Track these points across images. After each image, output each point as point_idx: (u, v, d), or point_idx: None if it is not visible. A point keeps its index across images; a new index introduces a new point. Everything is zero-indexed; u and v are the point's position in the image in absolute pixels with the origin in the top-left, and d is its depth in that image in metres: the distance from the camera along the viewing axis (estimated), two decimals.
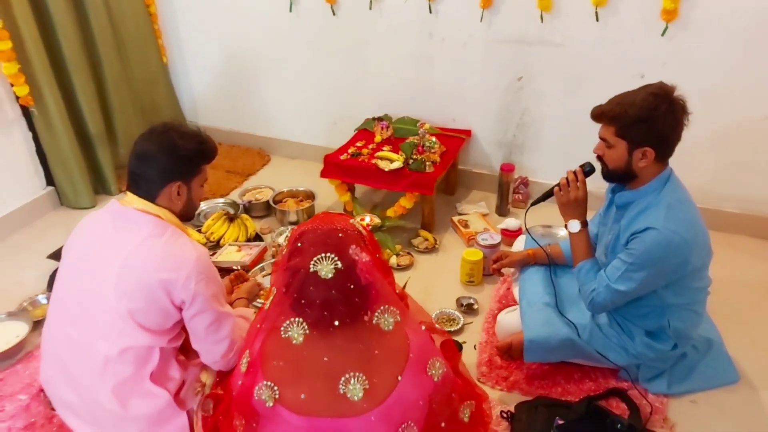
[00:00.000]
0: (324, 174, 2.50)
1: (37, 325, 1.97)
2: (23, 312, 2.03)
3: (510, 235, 2.32)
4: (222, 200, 2.68)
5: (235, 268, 2.12)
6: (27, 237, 2.54)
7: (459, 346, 1.82)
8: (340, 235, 1.12)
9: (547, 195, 1.78)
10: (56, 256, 2.30)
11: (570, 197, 1.67)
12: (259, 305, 1.88)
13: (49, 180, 2.70)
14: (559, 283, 1.85)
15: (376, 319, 1.12)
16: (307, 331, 1.09)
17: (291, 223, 2.54)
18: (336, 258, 1.08)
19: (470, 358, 1.85)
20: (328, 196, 2.66)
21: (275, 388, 1.09)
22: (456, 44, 2.58)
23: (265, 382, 1.10)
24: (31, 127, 2.55)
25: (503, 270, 2.05)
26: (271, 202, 2.64)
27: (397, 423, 1.09)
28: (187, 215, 1.55)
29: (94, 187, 2.79)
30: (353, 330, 1.11)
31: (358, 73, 2.85)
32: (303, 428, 1.07)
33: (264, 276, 2.18)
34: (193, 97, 3.32)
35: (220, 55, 3.13)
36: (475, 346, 1.90)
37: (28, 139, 2.57)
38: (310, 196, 2.71)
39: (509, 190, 2.62)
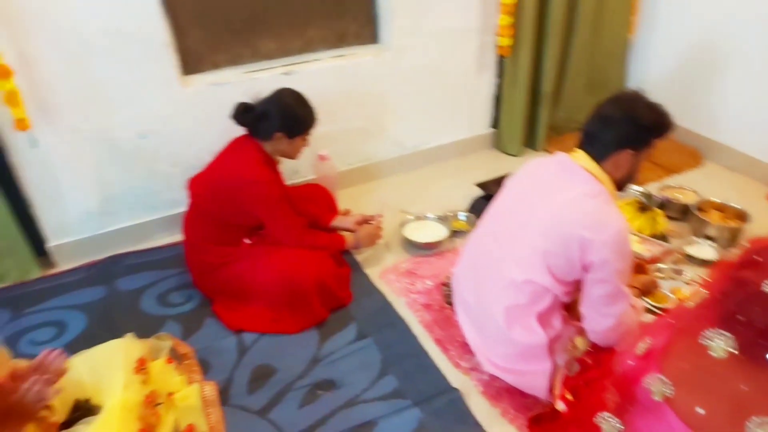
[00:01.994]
0: None
1: (453, 234, 2.42)
2: (446, 220, 2.50)
3: None
4: (638, 188, 2.61)
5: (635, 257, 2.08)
6: (463, 164, 3.04)
7: None
8: None
9: None
10: (482, 186, 2.71)
11: None
12: (649, 304, 1.83)
13: (493, 123, 3.13)
14: None
15: None
16: (734, 351, 1.01)
17: (707, 237, 2.29)
18: None
19: None
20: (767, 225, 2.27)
21: (670, 386, 1.06)
22: None
23: (660, 376, 1.08)
24: (499, 74, 2.96)
25: None
26: (693, 208, 2.42)
27: None
28: (622, 185, 1.59)
29: (525, 140, 3.09)
30: None
31: None
32: None
33: (659, 277, 2.07)
34: (644, 77, 3.21)
35: (691, 40, 2.91)
36: None
37: (491, 84, 3.00)
38: (742, 216, 2.36)
39: None
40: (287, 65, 2.50)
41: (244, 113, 1.93)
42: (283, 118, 1.92)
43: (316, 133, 2.21)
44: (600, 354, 1.51)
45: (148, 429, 1.49)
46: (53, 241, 2.30)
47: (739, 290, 1.02)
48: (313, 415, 1.66)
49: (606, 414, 1.18)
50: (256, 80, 2.38)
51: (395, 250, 2.39)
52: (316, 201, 2.37)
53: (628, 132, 1.51)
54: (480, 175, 2.84)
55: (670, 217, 2.47)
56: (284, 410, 1.68)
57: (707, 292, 1.10)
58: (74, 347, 1.80)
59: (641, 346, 1.18)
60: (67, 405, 1.45)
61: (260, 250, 2.03)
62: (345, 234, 2.21)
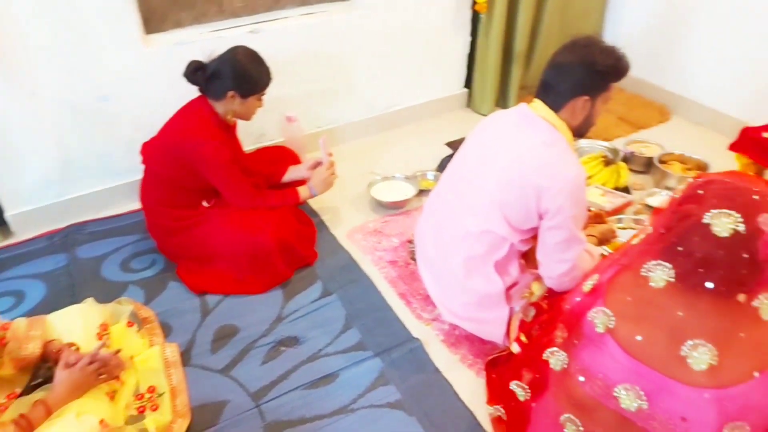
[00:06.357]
0: (734, 146, 2.15)
1: (421, 192, 2.41)
2: (414, 179, 2.48)
3: None
4: (604, 144, 2.62)
5: (593, 209, 2.09)
6: (434, 124, 3.01)
7: None
8: (755, 197, 0.97)
9: None
10: (452, 145, 2.69)
11: None
12: (606, 252, 1.85)
13: (466, 83, 3.10)
14: None
15: (758, 302, 0.97)
16: (672, 280, 1.02)
17: (668, 188, 2.31)
18: (740, 219, 0.95)
19: None
20: None
21: (612, 317, 1.08)
22: None
23: (603, 308, 1.10)
24: (471, 32, 2.92)
25: None
26: (655, 160, 2.44)
27: (731, 416, 0.96)
28: (581, 131, 1.58)
29: (497, 99, 3.07)
30: (723, 302, 0.99)
31: None
32: (625, 367, 1.05)
33: (619, 228, 2.09)
34: (618, 35, 3.18)
35: None
36: None
37: (467, 44, 2.95)
38: (703, 167, 2.39)
39: None
40: (254, 23, 2.43)
41: (195, 72, 1.88)
42: (235, 76, 1.87)
43: (284, 94, 2.16)
44: (555, 298, 1.52)
45: (111, 394, 1.49)
46: (11, 210, 2.25)
47: (681, 223, 1.02)
48: (276, 371, 1.67)
49: (554, 349, 1.19)
50: (222, 39, 2.31)
51: (363, 210, 2.37)
52: (282, 163, 2.33)
53: (583, 78, 1.49)
54: (451, 135, 2.82)
55: (634, 171, 2.49)
56: (246, 367, 1.69)
57: (652, 228, 1.11)
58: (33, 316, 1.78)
59: (588, 284, 1.19)
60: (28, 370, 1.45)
61: (220, 212, 2.00)
62: (301, 187, 2.13)
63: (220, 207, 2.03)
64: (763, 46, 2.50)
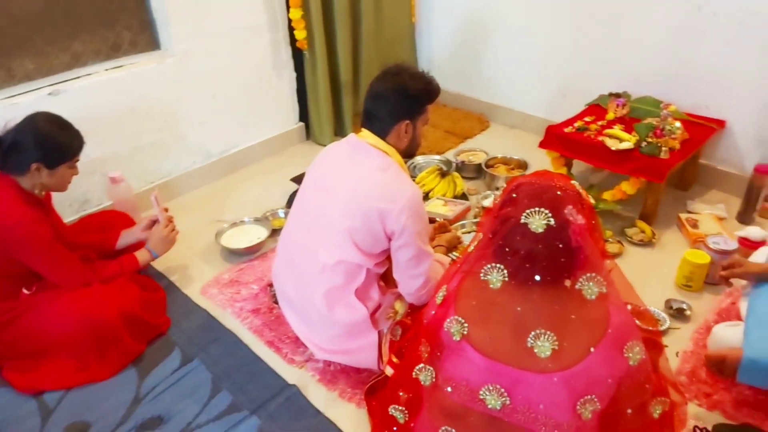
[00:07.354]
0: (543, 144, 2.44)
1: (274, 232, 2.35)
2: (265, 220, 2.43)
3: (750, 246, 1.99)
4: (438, 157, 2.81)
5: (438, 219, 2.22)
6: (276, 162, 2.99)
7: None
8: (558, 192, 1.10)
9: None
10: (297, 180, 2.68)
11: None
12: (455, 257, 1.96)
13: (301, 117, 3.12)
14: None
15: (579, 284, 1.09)
16: (506, 279, 1.11)
17: (498, 189, 2.55)
18: (549, 214, 1.07)
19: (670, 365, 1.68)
20: (542, 168, 2.59)
21: (465, 324, 1.14)
22: (731, 21, 2.24)
23: (456, 317, 1.15)
24: (297, 68, 2.95)
25: (733, 281, 1.78)
26: (483, 166, 2.68)
27: (580, 393, 1.06)
28: (409, 152, 1.67)
29: (335, 128, 3.13)
30: (553, 290, 1.09)
31: (603, 45, 2.67)
32: (483, 369, 1.11)
33: (463, 233, 2.24)
34: (431, 57, 3.46)
35: (464, 18, 3.20)
36: (677, 353, 1.72)
37: (293, 79, 2.98)
38: (523, 165, 2.68)
39: (759, 196, 2.23)
40: (53, 84, 2.22)
41: None
42: (39, 146, 1.66)
43: (104, 154, 1.99)
44: (417, 313, 1.58)
45: None
46: None
47: (503, 226, 1.12)
48: None
49: (421, 365, 1.23)
50: (16, 106, 2.07)
51: (214, 263, 2.25)
52: (113, 229, 2.12)
53: (399, 104, 1.59)
54: (295, 169, 2.81)
55: (467, 178, 2.71)
56: None
57: (481, 234, 1.20)
58: None
59: (440, 295, 1.24)
60: None
61: (46, 296, 1.76)
62: (139, 251, 1.97)
63: (45, 290, 1.78)
64: (551, 52, 2.88)
